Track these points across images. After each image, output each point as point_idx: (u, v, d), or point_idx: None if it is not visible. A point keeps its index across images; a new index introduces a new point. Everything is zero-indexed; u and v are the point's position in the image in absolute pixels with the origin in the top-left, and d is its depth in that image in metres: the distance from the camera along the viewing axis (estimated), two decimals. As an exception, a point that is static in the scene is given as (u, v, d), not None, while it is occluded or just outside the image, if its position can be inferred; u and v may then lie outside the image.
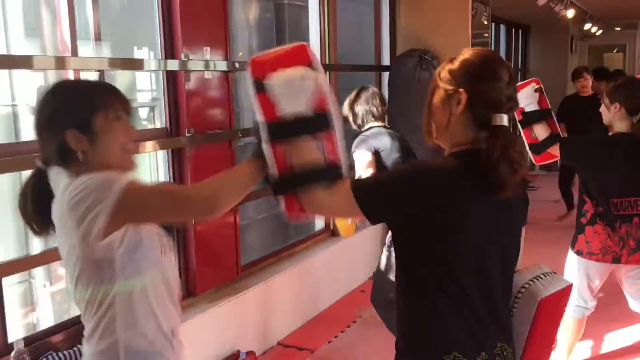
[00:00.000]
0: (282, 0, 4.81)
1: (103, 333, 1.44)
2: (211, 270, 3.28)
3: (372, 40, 5.33)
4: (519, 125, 3.09)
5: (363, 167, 3.13)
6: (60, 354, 2.39)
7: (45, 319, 3.81)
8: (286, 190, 1.37)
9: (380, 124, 3.30)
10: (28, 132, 2.95)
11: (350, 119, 3.33)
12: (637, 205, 2.83)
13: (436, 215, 1.35)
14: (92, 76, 2.68)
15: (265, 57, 1.37)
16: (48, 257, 2.54)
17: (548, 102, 3.17)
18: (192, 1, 3.03)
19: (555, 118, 3.19)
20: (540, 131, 3.04)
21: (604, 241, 2.88)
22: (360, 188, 1.37)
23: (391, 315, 2.64)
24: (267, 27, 4.78)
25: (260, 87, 1.33)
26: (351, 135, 3.35)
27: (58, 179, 1.43)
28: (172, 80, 3.02)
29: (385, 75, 5.26)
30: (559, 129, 3.26)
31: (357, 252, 4.57)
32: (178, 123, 3.04)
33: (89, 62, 2.65)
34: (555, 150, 2.98)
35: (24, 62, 2.54)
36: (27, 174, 2.76)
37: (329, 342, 3.71)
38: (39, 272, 3.72)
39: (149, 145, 2.89)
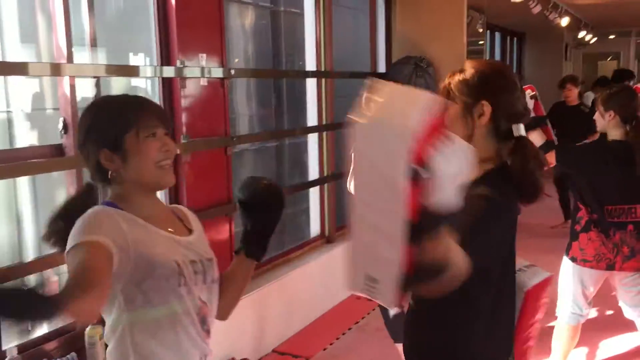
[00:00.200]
0: (278, 7, 4.82)
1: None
2: (206, 277, 3.26)
3: (368, 47, 5.35)
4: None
5: None
6: (54, 362, 2.38)
7: (39, 326, 3.77)
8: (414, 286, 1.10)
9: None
10: (23, 139, 2.94)
11: None
12: (631, 212, 2.85)
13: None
14: (87, 83, 2.68)
15: (419, 128, 0.93)
16: (42, 264, 2.52)
17: (543, 109, 3.18)
18: (188, 8, 3.03)
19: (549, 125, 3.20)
20: (536, 138, 3.05)
21: (598, 248, 2.89)
22: (467, 248, 1.11)
23: (397, 322, 2.63)
24: (263, 34, 4.78)
25: (415, 174, 0.94)
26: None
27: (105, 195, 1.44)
28: (168, 87, 3.02)
29: (381, 82, 5.26)
30: (553, 136, 3.27)
31: (352, 259, 4.55)
32: (173, 129, 3.04)
33: (85, 68, 2.65)
34: (551, 157, 2.99)
35: (19, 68, 2.52)
36: (21, 180, 2.77)
37: (324, 349, 3.70)
38: (32, 280, 3.69)
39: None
